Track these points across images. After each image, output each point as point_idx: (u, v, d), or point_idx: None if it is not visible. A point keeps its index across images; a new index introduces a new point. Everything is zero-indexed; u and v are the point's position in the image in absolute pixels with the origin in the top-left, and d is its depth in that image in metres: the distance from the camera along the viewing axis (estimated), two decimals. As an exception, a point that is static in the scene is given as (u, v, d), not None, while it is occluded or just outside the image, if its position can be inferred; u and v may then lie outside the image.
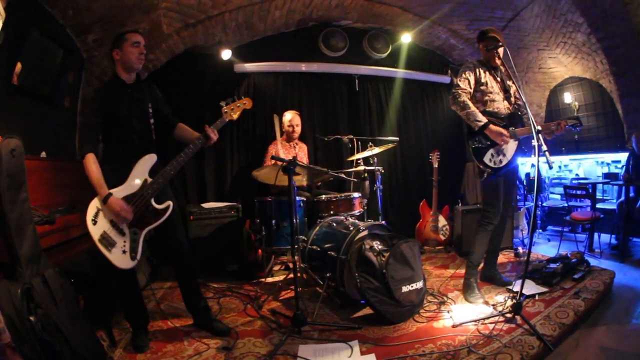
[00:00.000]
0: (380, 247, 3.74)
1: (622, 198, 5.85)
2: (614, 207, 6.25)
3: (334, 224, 4.41)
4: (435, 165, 6.30)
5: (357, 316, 3.79)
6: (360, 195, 4.97)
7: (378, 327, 3.48)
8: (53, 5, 4.23)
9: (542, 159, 3.21)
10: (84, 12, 4.42)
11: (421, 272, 3.82)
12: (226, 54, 6.02)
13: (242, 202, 5.64)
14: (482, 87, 3.97)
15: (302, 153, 5.77)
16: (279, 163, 3.63)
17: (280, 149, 5.57)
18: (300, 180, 4.66)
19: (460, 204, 6.15)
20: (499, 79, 4.04)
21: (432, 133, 7.56)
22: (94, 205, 2.95)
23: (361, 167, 5.18)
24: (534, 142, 3.25)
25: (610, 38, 5.97)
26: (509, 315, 3.37)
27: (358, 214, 4.86)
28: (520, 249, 5.67)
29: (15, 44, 3.71)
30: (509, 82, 4.08)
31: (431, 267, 5.33)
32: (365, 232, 4.03)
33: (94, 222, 2.90)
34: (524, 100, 3.63)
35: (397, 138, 5.81)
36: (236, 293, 4.50)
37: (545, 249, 6.18)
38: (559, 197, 7.61)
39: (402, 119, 7.34)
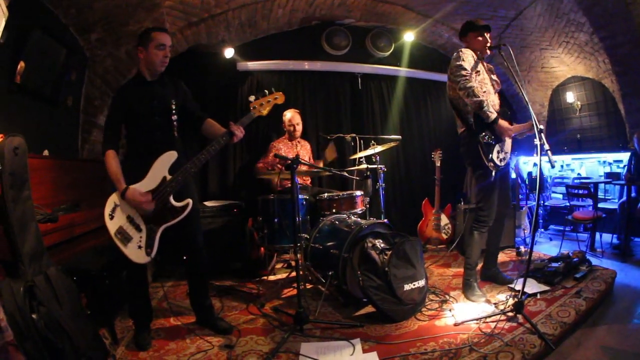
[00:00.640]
0: (382, 245, 3.75)
1: (624, 198, 5.86)
2: (615, 206, 6.26)
3: (337, 222, 4.42)
4: (438, 164, 6.30)
5: (359, 314, 3.80)
6: (362, 193, 4.97)
7: (380, 325, 3.48)
8: (56, 4, 4.24)
9: (545, 158, 3.21)
10: (87, 11, 4.43)
11: (423, 271, 3.83)
12: (229, 53, 6.04)
13: (244, 201, 5.65)
14: (480, 78, 3.87)
15: (304, 151, 5.78)
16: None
17: (282, 147, 5.58)
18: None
19: (462, 203, 6.15)
20: (487, 72, 3.99)
21: (434, 132, 7.56)
22: (112, 200, 2.98)
23: (364, 166, 5.18)
24: (537, 141, 3.25)
25: (612, 38, 5.96)
26: (510, 313, 3.38)
27: (360, 212, 4.86)
28: (522, 248, 5.67)
29: (18, 43, 3.73)
30: (493, 76, 4.04)
31: (433, 265, 5.34)
32: (368, 231, 4.03)
33: (111, 217, 2.94)
34: (526, 99, 3.59)
35: (400, 137, 5.81)
36: (238, 291, 4.51)
37: (547, 248, 6.19)
38: (561, 196, 7.61)
39: (404, 118, 7.35)
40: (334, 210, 4.75)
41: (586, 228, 6.26)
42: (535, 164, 7.44)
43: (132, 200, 2.94)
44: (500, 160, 3.84)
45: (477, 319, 3.42)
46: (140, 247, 2.99)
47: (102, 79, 5.06)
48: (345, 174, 4.78)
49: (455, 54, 3.87)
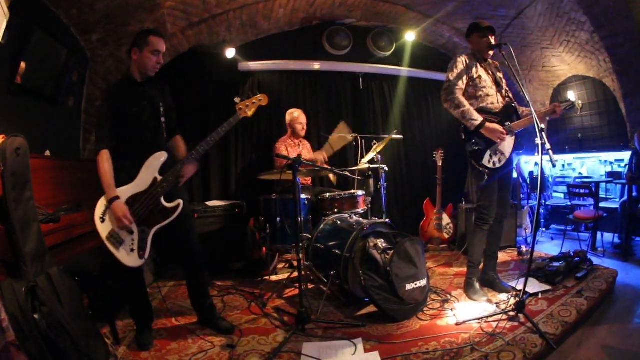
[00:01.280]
0: (384, 245, 3.76)
1: (625, 197, 5.86)
2: (617, 206, 6.26)
3: (339, 222, 4.42)
4: (439, 163, 6.30)
5: (361, 314, 3.82)
6: (364, 193, 4.97)
7: (382, 325, 3.49)
8: (57, 4, 4.23)
9: (546, 157, 3.21)
10: (88, 12, 4.42)
11: (425, 270, 3.84)
12: (230, 53, 6.04)
13: (246, 201, 5.67)
14: (476, 81, 3.87)
15: (305, 150, 5.78)
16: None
17: (286, 147, 5.57)
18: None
19: (464, 202, 6.17)
20: (490, 72, 3.97)
21: (436, 131, 7.56)
22: (102, 203, 2.96)
23: (365, 165, 5.18)
24: (538, 141, 3.25)
25: (613, 37, 5.96)
26: (512, 313, 3.39)
27: (362, 212, 4.86)
28: (524, 248, 5.69)
29: (19, 44, 3.73)
30: (500, 74, 4.02)
31: (435, 265, 5.35)
32: (370, 230, 4.03)
33: (102, 220, 2.92)
34: (527, 98, 3.58)
35: (401, 136, 5.82)
36: (240, 291, 4.51)
37: (548, 247, 6.19)
38: (562, 195, 7.62)
39: (406, 117, 7.35)
40: (335, 210, 4.75)
41: (587, 227, 6.27)
42: (536, 164, 7.44)
43: (117, 213, 2.91)
44: (494, 163, 3.84)
45: (478, 319, 3.42)
46: (132, 250, 2.99)
47: (103, 79, 5.07)
48: (347, 173, 4.77)
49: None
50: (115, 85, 3.40)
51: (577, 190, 5.94)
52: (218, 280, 4.83)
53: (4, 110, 3.68)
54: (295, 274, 4.47)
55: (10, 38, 3.54)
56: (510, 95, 3.99)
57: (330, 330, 3.46)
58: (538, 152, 3.27)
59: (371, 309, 3.82)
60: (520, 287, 3.56)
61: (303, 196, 4.77)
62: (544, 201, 7.41)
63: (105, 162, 2.99)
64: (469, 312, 3.62)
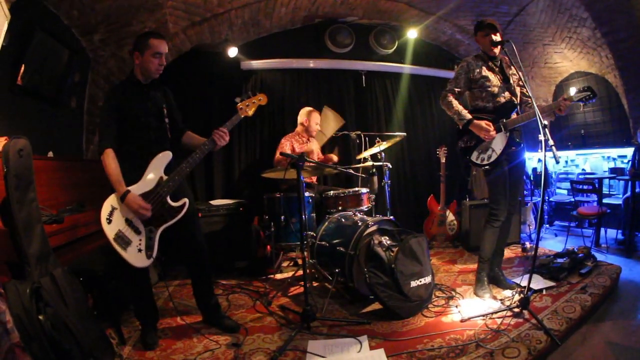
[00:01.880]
0: (388, 242, 3.77)
1: (629, 193, 5.85)
2: (620, 202, 6.25)
3: (343, 220, 4.44)
4: (443, 160, 6.31)
5: (366, 311, 3.82)
6: (368, 190, 4.98)
7: (387, 322, 3.50)
8: (57, 6, 4.24)
9: (549, 153, 3.21)
10: (89, 12, 4.43)
11: (429, 267, 3.85)
12: (233, 52, 6.04)
13: (250, 199, 5.69)
14: (480, 82, 3.90)
15: (314, 148, 5.78)
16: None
17: (295, 144, 5.58)
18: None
19: (467, 199, 6.17)
20: (497, 69, 3.97)
21: (439, 128, 7.55)
22: (109, 204, 2.95)
23: (369, 163, 5.19)
24: (541, 137, 3.25)
25: (615, 32, 5.95)
26: (516, 309, 3.39)
27: (366, 209, 4.87)
28: (528, 244, 5.68)
29: (21, 45, 3.74)
30: (510, 71, 4.01)
31: (439, 262, 5.36)
32: (374, 228, 4.05)
33: (109, 221, 2.90)
34: (530, 93, 3.61)
35: (405, 134, 5.82)
36: (245, 289, 4.52)
37: (552, 243, 6.19)
38: (565, 192, 7.61)
39: (409, 115, 7.36)
40: (340, 208, 4.76)
41: (591, 224, 6.27)
42: (539, 160, 7.43)
43: (132, 206, 2.93)
44: (483, 160, 3.90)
45: (483, 315, 3.43)
46: (140, 250, 2.98)
47: (105, 79, 5.08)
48: (351, 171, 4.78)
49: None
50: (118, 85, 3.40)
51: (581, 187, 5.95)
52: (222, 279, 4.84)
53: (7, 111, 3.70)
54: (300, 272, 4.49)
55: (12, 40, 3.56)
56: (524, 91, 4.00)
57: (336, 327, 3.47)
58: (541, 149, 3.27)
59: (376, 306, 3.83)
60: (524, 283, 3.56)
61: (307, 194, 4.78)
62: (547, 197, 7.40)
63: (112, 160, 2.99)
64: (473, 309, 3.63)
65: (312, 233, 4.52)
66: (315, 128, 5.68)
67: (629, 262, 4.94)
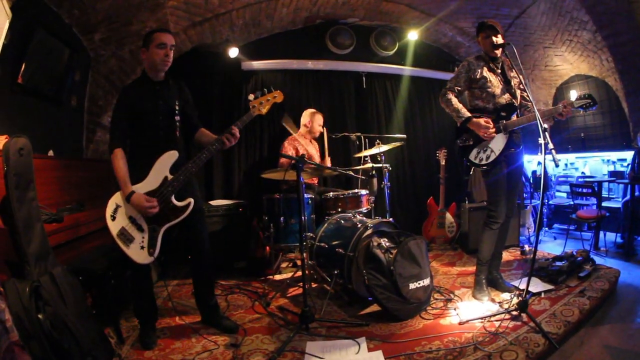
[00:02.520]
0: (387, 244, 3.77)
1: (628, 196, 5.85)
2: (619, 205, 6.25)
3: (342, 221, 4.44)
4: (443, 162, 6.31)
5: (364, 313, 3.83)
6: (367, 192, 4.98)
7: (385, 324, 3.50)
8: (59, 5, 4.24)
9: (549, 156, 3.21)
10: (90, 12, 4.43)
11: (428, 270, 3.85)
12: (233, 52, 6.05)
13: (249, 200, 5.68)
14: (480, 82, 3.89)
15: (314, 150, 5.78)
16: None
17: (298, 146, 5.57)
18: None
19: (467, 202, 6.17)
20: (499, 70, 3.96)
21: (439, 130, 7.56)
22: (114, 201, 3.00)
23: (369, 165, 5.19)
24: (541, 140, 3.25)
25: (615, 36, 5.95)
26: (515, 312, 3.40)
27: (365, 211, 4.88)
28: (527, 247, 5.69)
29: (22, 44, 3.73)
30: (512, 73, 4.00)
31: (438, 264, 5.35)
32: (373, 230, 4.05)
33: (113, 218, 2.96)
34: (530, 97, 3.62)
35: (405, 136, 5.83)
36: (244, 290, 4.53)
37: (551, 247, 6.19)
38: (565, 195, 7.60)
39: (409, 117, 7.36)
40: (339, 209, 4.77)
41: (590, 227, 6.26)
42: (539, 163, 7.43)
43: (137, 205, 2.97)
44: (481, 160, 3.90)
45: (481, 318, 3.43)
46: (142, 247, 3.02)
47: (106, 79, 5.08)
48: (351, 173, 4.78)
49: None
50: (130, 84, 3.42)
51: (580, 190, 5.94)
52: (222, 279, 4.84)
53: (7, 110, 3.70)
54: (299, 273, 4.49)
55: (13, 38, 3.56)
56: (524, 95, 3.99)
57: (334, 329, 3.47)
58: (541, 152, 3.27)
59: (374, 308, 3.84)
60: (523, 286, 3.56)
61: (307, 195, 4.78)
62: (546, 200, 7.41)
63: (120, 160, 3.04)
64: (472, 312, 3.63)
65: (311, 234, 4.51)
66: (318, 129, 5.69)
67: (627, 265, 4.94)
